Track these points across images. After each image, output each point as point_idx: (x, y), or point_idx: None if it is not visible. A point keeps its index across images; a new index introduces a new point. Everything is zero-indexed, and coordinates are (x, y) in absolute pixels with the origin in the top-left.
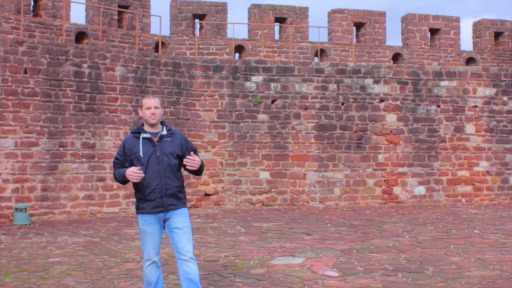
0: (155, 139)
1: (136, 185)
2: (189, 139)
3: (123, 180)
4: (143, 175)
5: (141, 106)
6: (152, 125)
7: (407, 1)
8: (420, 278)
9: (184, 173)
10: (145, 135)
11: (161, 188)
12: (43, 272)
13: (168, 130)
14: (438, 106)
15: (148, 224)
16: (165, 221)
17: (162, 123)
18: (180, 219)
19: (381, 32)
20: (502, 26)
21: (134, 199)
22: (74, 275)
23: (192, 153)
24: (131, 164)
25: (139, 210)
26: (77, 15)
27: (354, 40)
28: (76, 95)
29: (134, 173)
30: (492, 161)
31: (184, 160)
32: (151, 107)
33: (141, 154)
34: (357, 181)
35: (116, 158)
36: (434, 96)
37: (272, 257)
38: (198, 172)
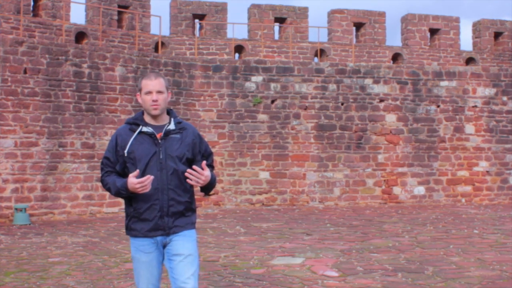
0: (158, 135)
1: (128, 197)
2: None
3: (124, 194)
4: (152, 178)
5: (140, 90)
6: (155, 116)
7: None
8: (420, 278)
9: None
10: (145, 129)
11: (162, 204)
12: (43, 272)
13: (177, 123)
14: (438, 106)
15: (141, 252)
16: (164, 245)
17: (169, 112)
18: (184, 243)
19: (381, 32)
20: (502, 26)
21: None
22: (74, 275)
23: (204, 163)
24: (124, 168)
25: (130, 231)
26: (77, 15)
27: (354, 40)
28: (76, 95)
29: (140, 183)
30: (491, 161)
31: (187, 170)
32: (153, 91)
33: (125, 152)
34: (356, 181)
35: (105, 158)
36: (434, 96)
37: (272, 257)
38: (205, 189)
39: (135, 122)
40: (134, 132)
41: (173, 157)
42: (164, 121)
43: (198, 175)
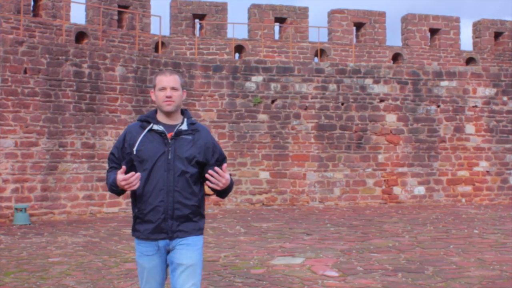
0: (169, 135)
1: (134, 197)
2: None
3: (116, 190)
4: (138, 175)
5: (154, 86)
6: (168, 114)
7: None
8: (420, 278)
9: None
10: (155, 127)
11: (166, 206)
12: (43, 272)
13: (190, 124)
14: (438, 106)
15: (145, 255)
16: (168, 251)
17: (183, 112)
18: (187, 252)
19: (381, 32)
20: (502, 26)
21: None
22: (74, 275)
23: (224, 165)
24: (131, 166)
25: (134, 232)
26: (77, 15)
27: (354, 40)
28: (76, 95)
29: (125, 180)
30: (492, 161)
31: (209, 172)
32: (167, 87)
33: (134, 150)
34: (357, 181)
35: (111, 153)
36: (434, 96)
37: (272, 257)
38: (222, 193)
39: (147, 120)
40: (145, 129)
41: (182, 159)
42: (177, 120)
43: (219, 178)
